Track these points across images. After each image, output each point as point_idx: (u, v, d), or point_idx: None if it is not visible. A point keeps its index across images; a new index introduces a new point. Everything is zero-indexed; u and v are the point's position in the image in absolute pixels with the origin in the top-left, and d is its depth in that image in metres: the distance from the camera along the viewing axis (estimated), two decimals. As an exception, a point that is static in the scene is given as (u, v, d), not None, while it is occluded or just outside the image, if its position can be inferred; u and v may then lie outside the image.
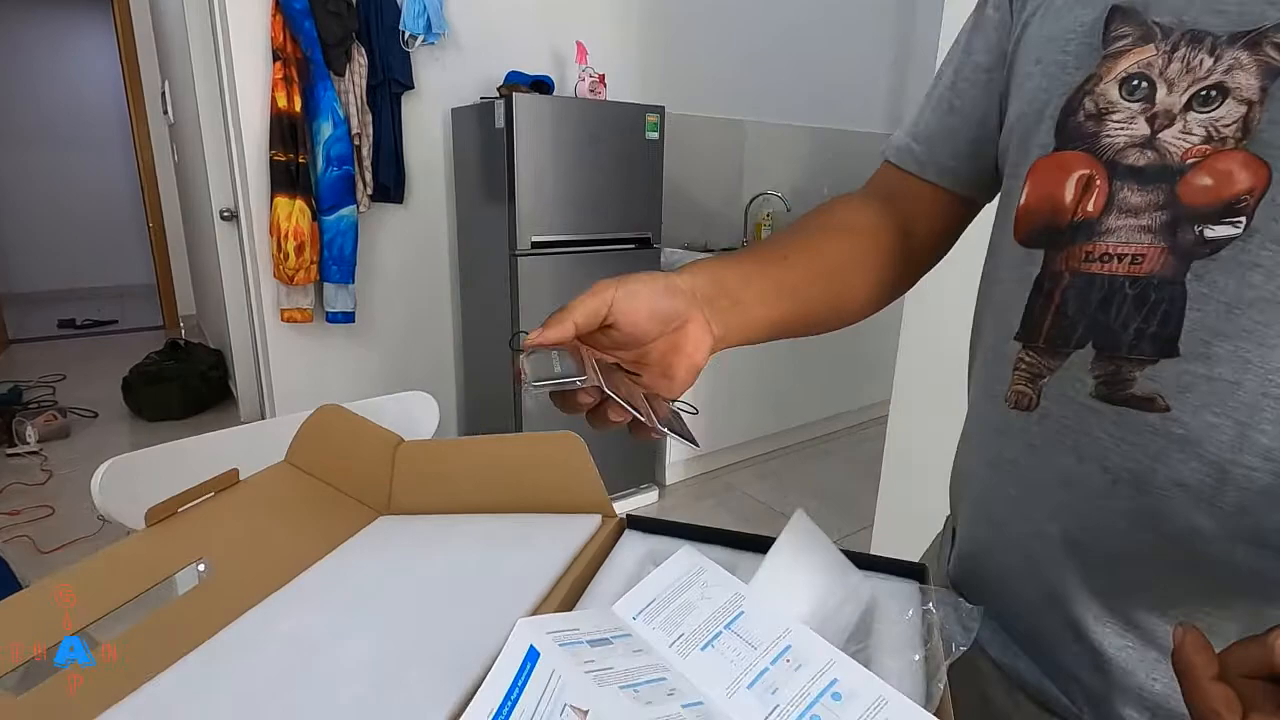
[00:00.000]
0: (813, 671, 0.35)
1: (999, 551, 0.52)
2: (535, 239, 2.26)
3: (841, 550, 0.51)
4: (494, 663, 0.37)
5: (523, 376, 0.41)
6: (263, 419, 2.75)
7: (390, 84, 2.32)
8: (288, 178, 2.15)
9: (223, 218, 2.84)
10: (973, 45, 0.55)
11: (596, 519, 0.60)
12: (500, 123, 2.17)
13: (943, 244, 0.62)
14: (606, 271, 2.44)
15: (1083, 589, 0.46)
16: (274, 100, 2.11)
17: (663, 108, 2.41)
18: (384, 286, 2.58)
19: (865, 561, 0.53)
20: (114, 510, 0.86)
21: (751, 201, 3.43)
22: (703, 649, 0.38)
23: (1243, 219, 0.37)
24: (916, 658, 0.42)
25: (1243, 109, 0.37)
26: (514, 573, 0.54)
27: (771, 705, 0.34)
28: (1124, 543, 0.43)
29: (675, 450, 2.79)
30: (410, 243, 2.60)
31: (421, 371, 2.73)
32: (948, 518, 0.66)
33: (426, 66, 2.45)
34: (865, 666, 0.43)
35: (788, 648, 0.37)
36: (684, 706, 0.34)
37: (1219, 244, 0.38)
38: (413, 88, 2.40)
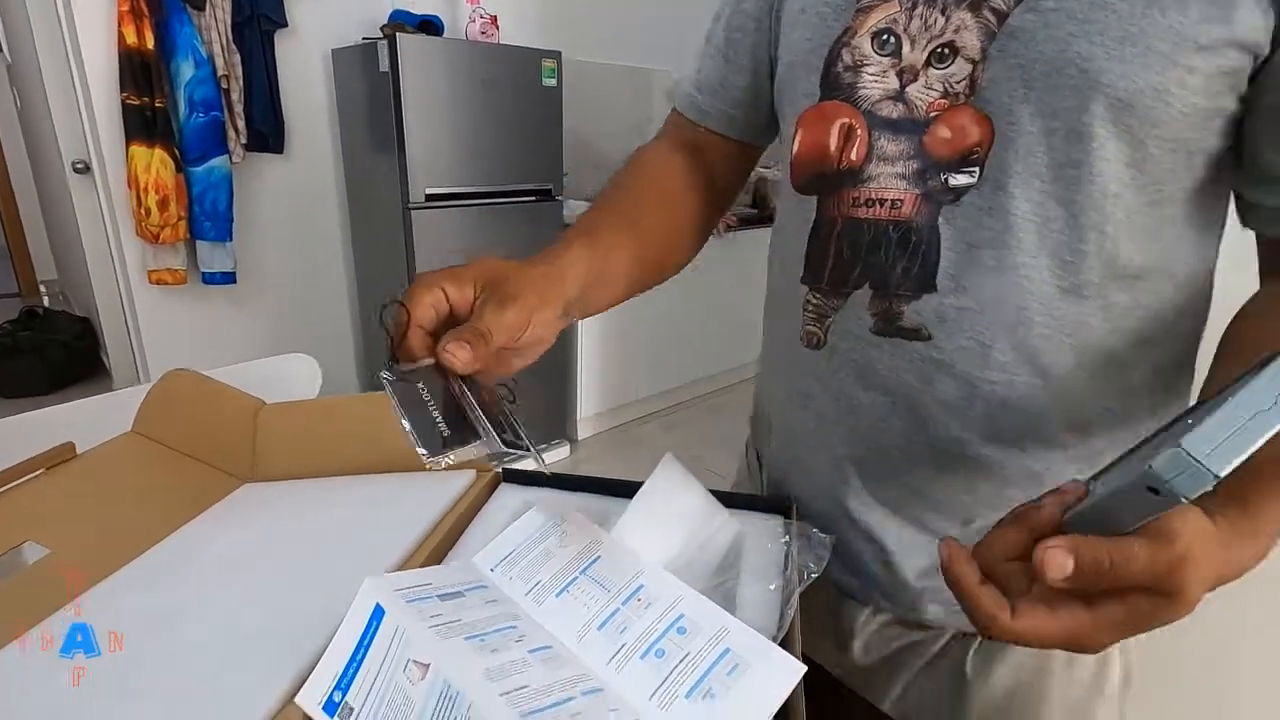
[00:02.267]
0: (661, 609, 0.36)
1: (801, 474, 0.57)
2: (430, 191, 2.16)
3: (714, 491, 0.53)
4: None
5: (411, 435, 0.31)
6: (132, 388, 2.54)
7: (259, 20, 2.12)
8: (143, 124, 1.94)
9: (75, 170, 2.55)
10: None
11: (470, 475, 0.59)
12: (385, 66, 2.03)
13: (739, 185, 0.65)
14: (508, 224, 2.38)
15: (871, 499, 0.52)
16: (121, 35, 1.89)
17: (559, 53, 2.32)
18: (268, 244, 2.40)
19: (738, 501, 0.54)
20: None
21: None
22: (557, 595, 0.38)
23: (976, 169, 0.42)
24: (773, 587, 0.44)
25: (969, 67, 0.41)
26: (381, 534, 0.52)
27: (619, 644, 0.35)
28: (902, 456, 0.49)
29: (586, 405, 2.79)
30: (295, 196, 2.42)
31: (315, 333, 2.59)
32: (748, 440, 0.71)
33: (301, 2, 2.25)
34: (729, 597, 0.44)
35: (639, 588, 0.38)
36: (530, 651, 0.34)
37: (960, 191, 0.43)
38: (286, 25, 2.20)
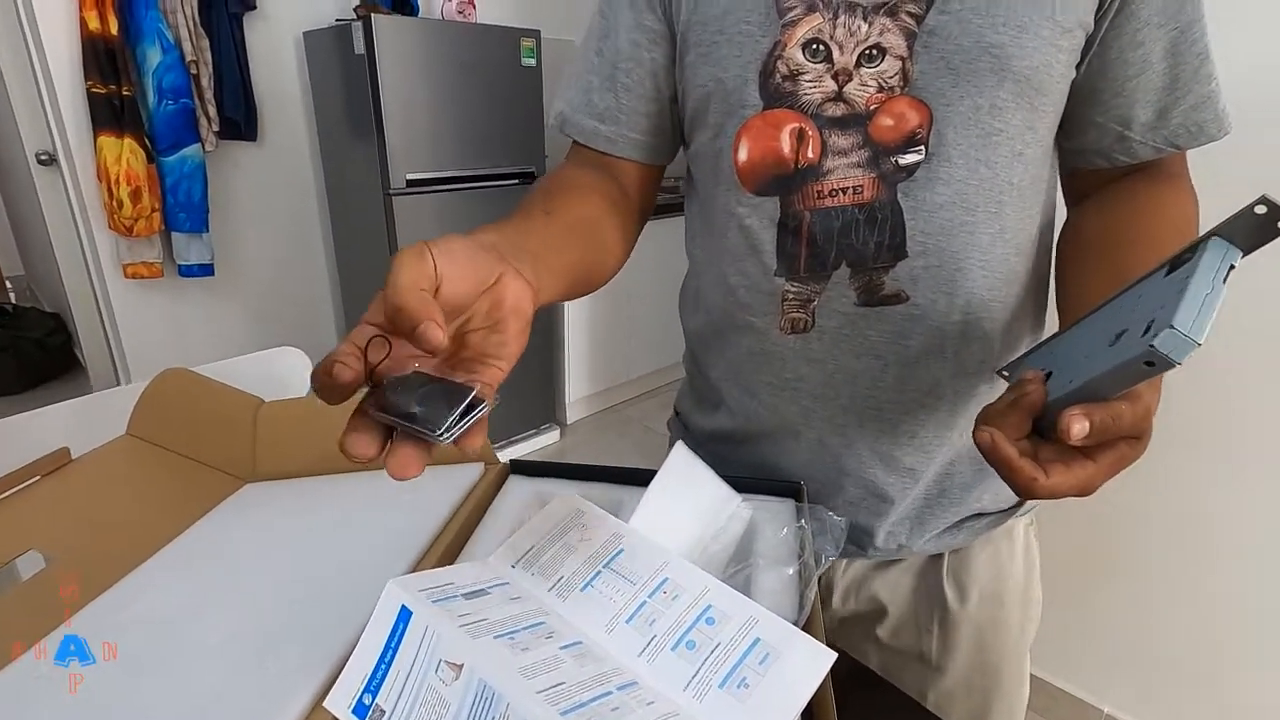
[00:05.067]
0: (689, 600, 0.36)
1: (795, 451, 0.60)
2: (411, 176, 2.13)
3: (722, 476, 0.53)
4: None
5: (415, 423, 0.28)
6: (120, 388, 2.50)
7: (227, 2, 2.05)
8: (111, 113, 1.88)
9: (40, 162, 2.47)
10: (620, 22, 0.57)
11: (479, 468, 0.58)
12: (360, 48, 1.99)
13: (652, 203, 0.66)
14: (491, 208, 2.35)
15: (873, 456, 0.57)
16: (83, 21, 1.83)
17: (538, 32, 2.28)
18: (245, 234, 2.35)
19: (746, 485, 0.55)
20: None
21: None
22: (583, 589, 0.38)
23: (922, 147, 0.49)
24: (790, 571, 0.44)
25: (899, 63, 0.48)
26: (392, 532, 0.52)
27: (649, 636, 0.35)
28: (897, 410, 0.55)
29: (574, 388, 2.79)
30: (271, 184, 2.37)
31: (296, 324, 2.55)
32: (679, 428, 0.74)
33: (269, -17, 2.18)
34: (746, 585, 0.44)
35: (665, 580, 0.38)
36: (562, 648, 0.34)
37: (912, 168, 0.49)
38: (254, 8, 2.14)
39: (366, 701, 0.34)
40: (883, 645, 0.67)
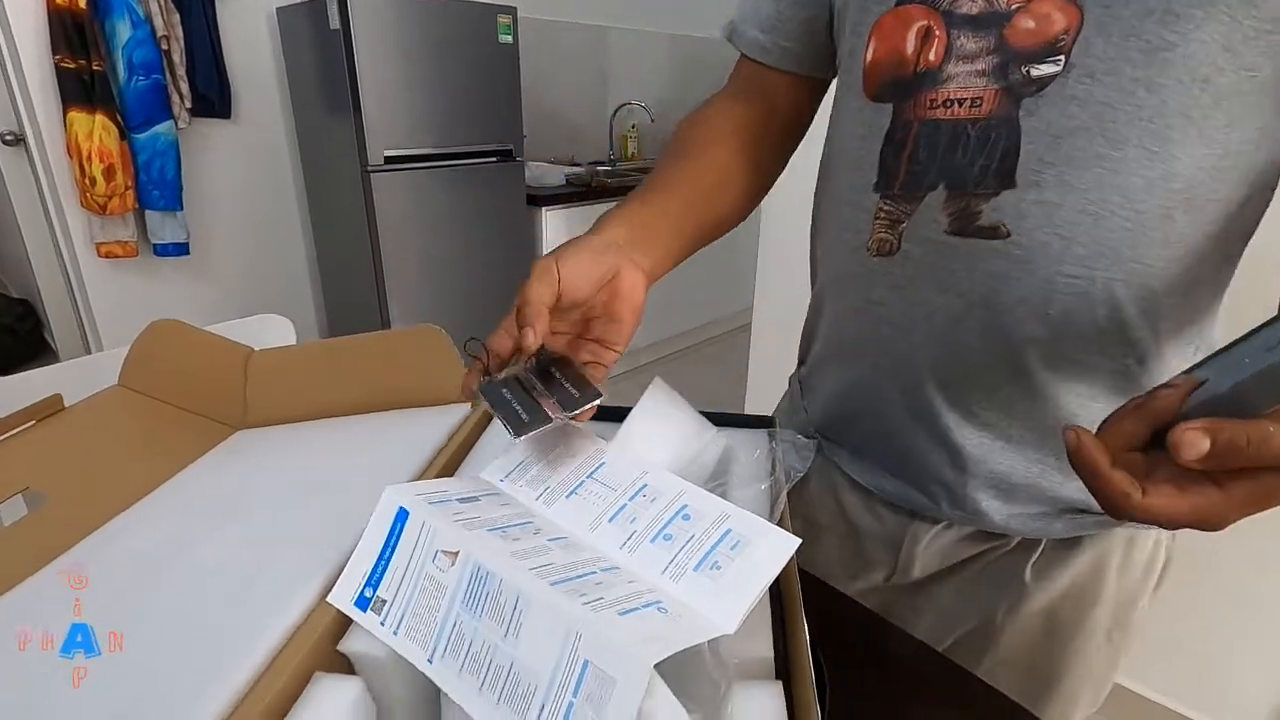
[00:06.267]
0: (666, 501, 0.39)
1: (869, 387, 0.58)
2: (389, 153, 2.12)
3: (700, 411, 0.56)
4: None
5: (507, 422, 0.39)
6: (112, 350, 2.46)
7: (198, -23, 2.02)
8: (81, 88, 1.85)
9: (4, 142, 2.42)
10: None
11: (466, 408, 0.61)
12: (335, 23, 1.97)
13: (801, 127, 0.65)
14: (470, 186, 2.35)
15: (945, 402, 0.52)
16: (50, -6, 1.79)
17: (515, 9, 2.28)
18: (221, 212, 2.33)
19: (723, 419, 0.57)
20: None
21: (616, 112, 3.36)
22: (568, 497, 0.41)
23: (1062, 57, 0.41)
24: (763, 487, 0.47)
25: None
26: (383, 463, 0.54)
27: (630, 531, 0.37)
28: (979, 358, 0.49)
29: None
30: (246, 161, 2.35)
31: (275, 301, 2.53)
32: (792, 376, 0.72)
33: (240, -43, 2.15)
34: (721, 498, 0.47)
35: (644, 486, 0.40)
36: (549, 540, 0.37)
37: (1044, 81, 0.42)
38: (226, -18, 2.12)
39: (368, 594, 0.36)
40: (941, 610, 0.61)
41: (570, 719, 0.28)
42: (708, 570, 0.35)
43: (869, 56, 0.49)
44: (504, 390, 0.41)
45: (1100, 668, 0.60)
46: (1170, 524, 0.30)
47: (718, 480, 0.49)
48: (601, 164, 3.13)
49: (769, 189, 0.63)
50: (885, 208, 0.50)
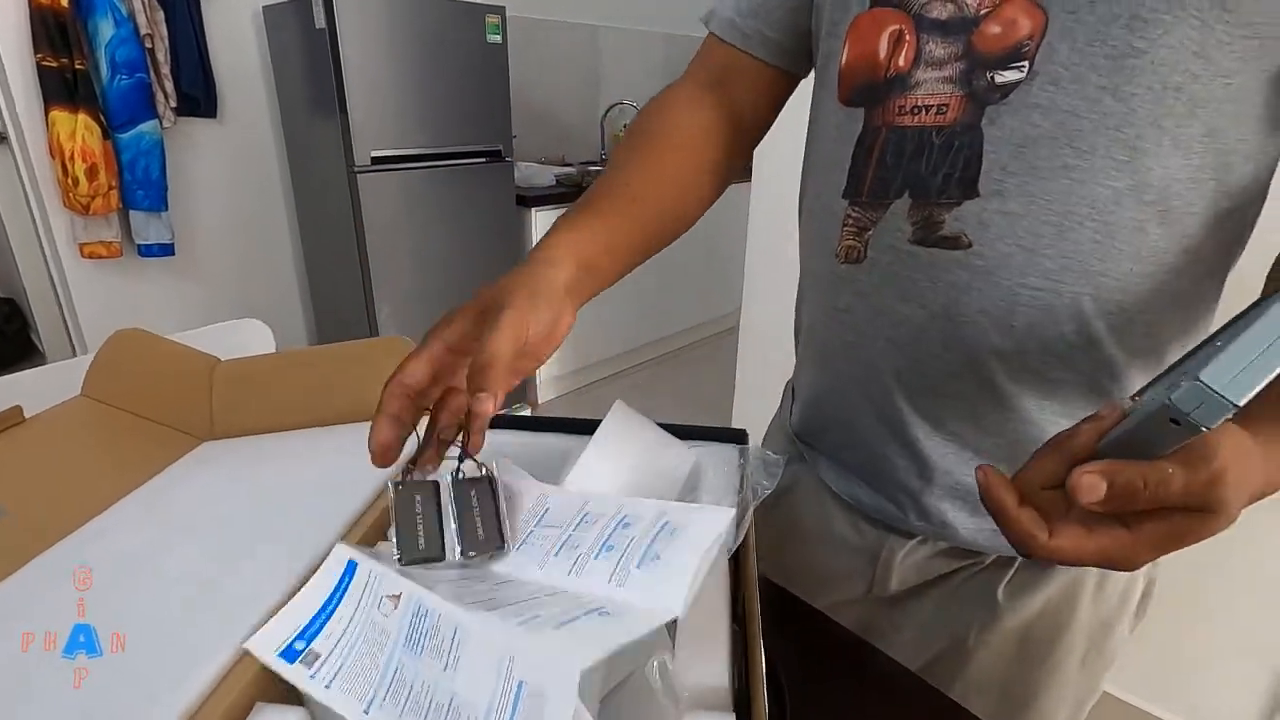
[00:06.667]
0: (607, 519, 0.38)
1: (839, 393, 0.57)
2: (376, 153, 2.10)
3: (673, 427, 0.55)
4: (319, 566, 0.37)
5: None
6: (77, 358, 2.44)
7: (182, -25, 2.00)
8: (63, 87, 1.83)
9: (-11, 140, 2.40)
10: None
11: (434, 420, 0.60)
12: (320, 22, 1.95)
13: (767, 122, 0.63)
14: (458, 186, 2.33)
15: (914, 412, 0.51)
16: (31, -9, 1.77)
17: (503, 8, 2.26)
18: (206, 212, 2.31)
19: (694, 433, 0.57)
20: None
21: (607, 112, 3.35)
22: (518, 549, 0.39)
23: (1026, 63, 0.40)
24: (729, 504, 0.46)
25: None
26: (342, 482, 0.53)
27: (574, 557, 0.37)
28: (942, 368, 0.48)
29: (545, 368, 2.80)
30: (232, 162, 2.33)
31: (261, 303, 2.51)
32: (788, 383, 0.72)
33: (226, -45, 2.13)
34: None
35: (586, 514, 0.39)
36: (496, 585, 0.36)
37: (1008, 88, 0.41)
38: (211, -20, 2.10)
39: (298, 647, 0.33)
40: (921, 625, 0.60)
41: (508, 749, 0.27)
42: (649, 563, 0.34)
43: (844, 60, 0.48)
44: (417, 499, 0.38)
45: (1075, 693, 0.58)
46: (1078, 564, 0.30)
47: (686, 497, 0.48)
48: (593, 164, 3.12)
49: (720, 193, 0.61)
50: (853, 214, 0.50)
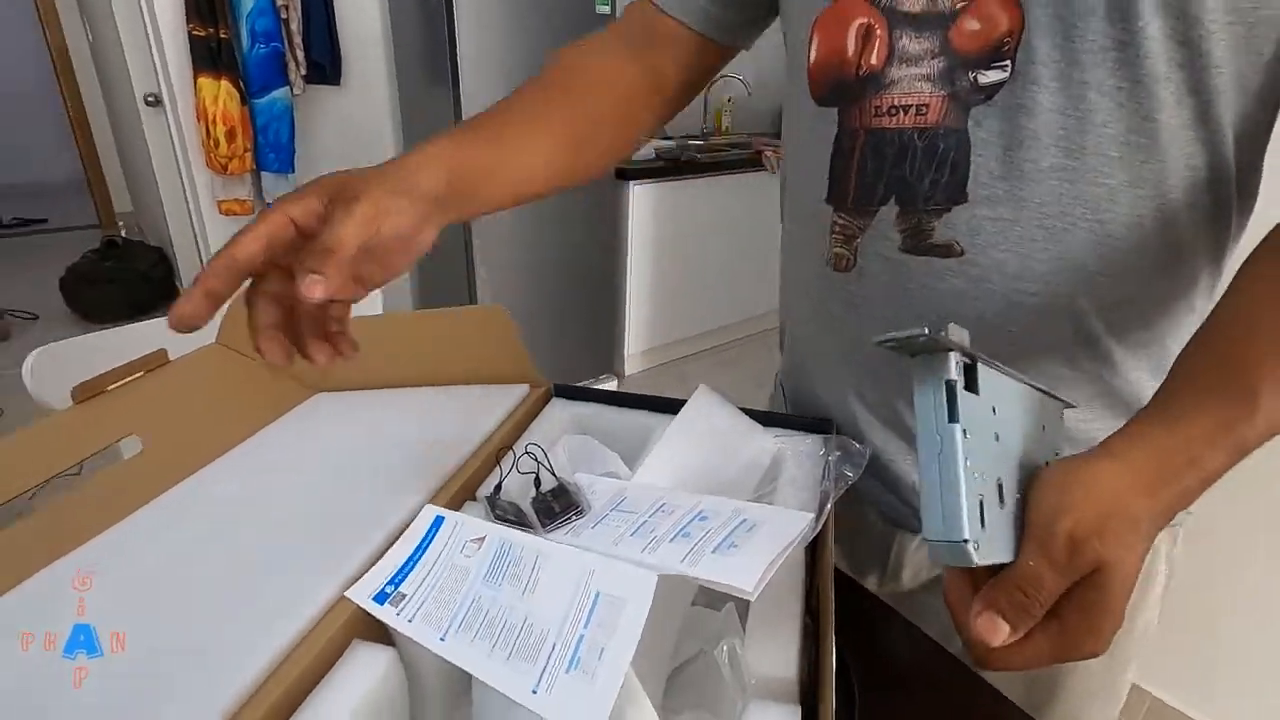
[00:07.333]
0: (683, 511, 0.39)
1: (838, 395, 0.56)
2: (483, 124, 2.16)
3: (756, 413, 0.55)
4: (413, 518, 0.39)
5: None
6: (212, 317, 2.67)
7: (315, -53, 2.11)
8: (209, 55, 1.99)
9: (147, 103, 2.64)
10: None
11: (524, 389, 0.62)
12: (439, -8, 2.02)
13: (690, 95, 0.59)
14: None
15: (912, 413, 0.49)
16: (185, -36, 1.92)
17: (614, -22, 2.26)
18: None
19: (778, 419, 0.56)
20: (49, 397, 0.85)
21: (712, 84, 3.29)
22: (593, 528, 0.41)
23: (1008, 62, 0.38)
24: (811, 494, 0.46)
25: None
26: (442, 439, 0.56)
27: (650, 538, 0.37)
28: None
29: (633, 341, 2.82)
30: (351, 128, 2.46)
31: (374, 266, 2.66)
32: (776, 375, 0.71)
33: (355, -72, 2.23)
34: (770, 504, 0.46)
35: (662, 504, 0.40)
36: (574, 542, 0.37)
37: (992, 89, 0.39)
38: (341, -48, 2.20)
39: (389, 591, 0.37)
40: (944, 620, 0.60)
41: (580, 649, 0.29)
42: (725, 549, 0.35)
43: (812, 57, 0.46)
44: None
45: (1100, 677, 0.56)
46: (1039, 667, 0.28)
47: (768, 485, 0.48)
48: (694, 137, 3.08)
49: (623, 160, 0.59)
50: (840, 221, 0.48)
